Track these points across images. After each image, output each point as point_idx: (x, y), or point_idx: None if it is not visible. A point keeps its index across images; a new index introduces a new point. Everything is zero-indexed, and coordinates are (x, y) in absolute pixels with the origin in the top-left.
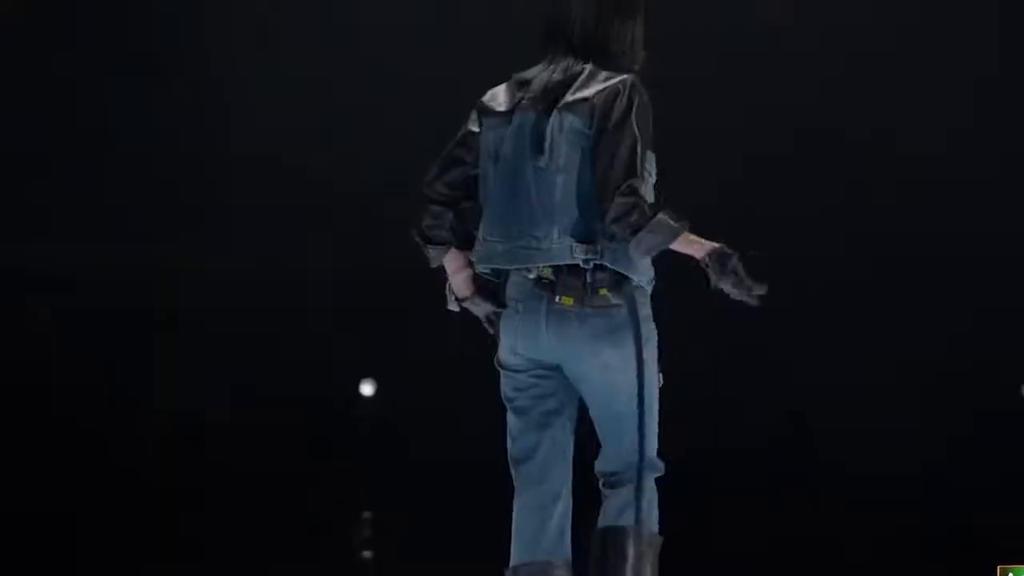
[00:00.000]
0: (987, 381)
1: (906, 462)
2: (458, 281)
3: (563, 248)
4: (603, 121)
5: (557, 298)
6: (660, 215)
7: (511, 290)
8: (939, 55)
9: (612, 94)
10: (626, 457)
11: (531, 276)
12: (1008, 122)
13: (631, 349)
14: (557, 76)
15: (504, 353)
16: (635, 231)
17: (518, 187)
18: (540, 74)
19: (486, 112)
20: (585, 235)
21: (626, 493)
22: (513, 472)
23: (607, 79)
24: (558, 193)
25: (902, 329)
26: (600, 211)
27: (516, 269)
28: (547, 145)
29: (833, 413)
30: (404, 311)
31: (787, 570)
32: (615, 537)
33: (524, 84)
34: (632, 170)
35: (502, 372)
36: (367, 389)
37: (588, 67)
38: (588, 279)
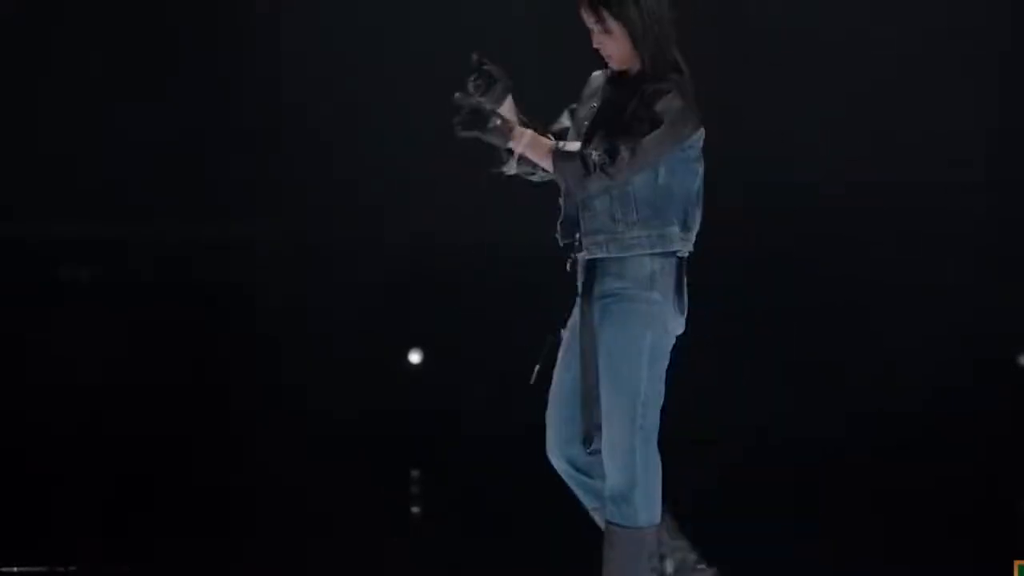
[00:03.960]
0: (1007, 374)
1: (922, 456)
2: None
3: None
4: None
5: None
6: None
7: (678, 272)
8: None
9: None
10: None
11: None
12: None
13: None
14: None
15: (677, 327)
16: None
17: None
18: None
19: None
20: None
21: None
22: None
23: None
24: None
25: (918, 324)
26: None
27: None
28: None
29: (845, 411)
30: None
31: (800, 569)
32: None
33: None
34: None
35: (663, 349)
36: (415, 357)
37: None
38: None
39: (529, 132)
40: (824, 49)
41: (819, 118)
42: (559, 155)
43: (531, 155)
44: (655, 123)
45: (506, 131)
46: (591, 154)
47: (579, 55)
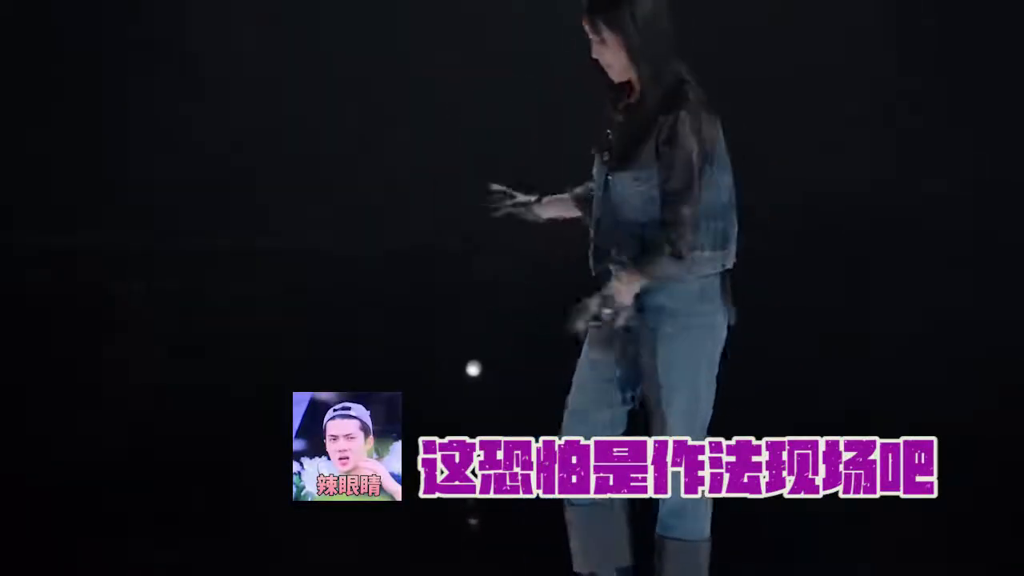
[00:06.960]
0: (1007, 374)
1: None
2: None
3: None
4: None
5: None
6: None
7: (722, 284)
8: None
9: None
10: None
11: None
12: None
13: None
14: None
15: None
16: None
17: None
18: None
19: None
20: None
21: None
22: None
23: None
24: None
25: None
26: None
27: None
28: None
29: (843, 410)
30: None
31: (802, 569)
32: None
33: None
34: None
35: (716, 359)
36: (473, 370)
37: None
38: None
39: (624, 280)
40: (824, 49)
41: (817, 117)
42: (651, 268)
43: (639, 288)
44: (688, 165)
45: (612, 304)
46: (669, 245)
47: (583, 58)
